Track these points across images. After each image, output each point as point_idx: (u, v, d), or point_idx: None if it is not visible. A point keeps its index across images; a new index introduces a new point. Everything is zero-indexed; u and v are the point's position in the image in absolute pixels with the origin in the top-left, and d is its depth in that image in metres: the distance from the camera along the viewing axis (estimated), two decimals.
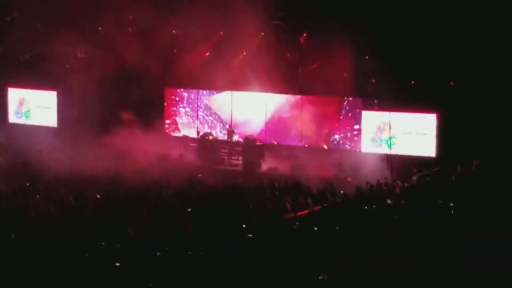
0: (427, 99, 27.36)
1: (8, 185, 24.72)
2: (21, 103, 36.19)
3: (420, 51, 26.73)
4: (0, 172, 27.67)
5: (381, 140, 28.83)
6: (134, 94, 31.18)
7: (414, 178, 25.90)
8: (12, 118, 36.40)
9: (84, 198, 21.67)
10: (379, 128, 28.87)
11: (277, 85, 31.69)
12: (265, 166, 30.97)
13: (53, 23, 32.66)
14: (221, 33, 31.76)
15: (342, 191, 23.27)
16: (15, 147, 32.43)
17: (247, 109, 34.16)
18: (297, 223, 19.03)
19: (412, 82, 28.39)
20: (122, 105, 31.69)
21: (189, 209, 20.58)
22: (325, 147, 31.83)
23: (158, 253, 14.48)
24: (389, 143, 28.31)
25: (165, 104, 35.49)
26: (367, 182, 23.56)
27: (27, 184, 24.80)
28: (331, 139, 32.02)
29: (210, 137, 33.73)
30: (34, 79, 34.17)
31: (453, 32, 25.89)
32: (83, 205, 20.49)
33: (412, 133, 28.24)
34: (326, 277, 11.49)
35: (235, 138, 33.56)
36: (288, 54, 30.90)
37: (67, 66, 33.52)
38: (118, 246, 16.27)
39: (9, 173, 27.37)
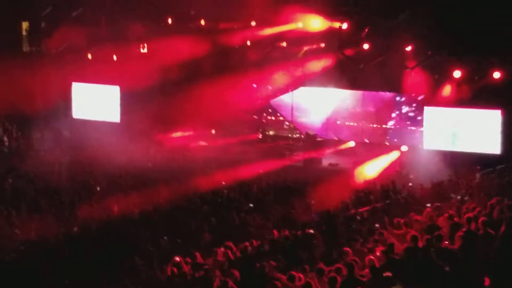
0: (491, 95, 26.84)
1: (71, 180, 25.19)
2: (85, 98, 36.56)
3: (484, 47, 26.26)
4: (63, 166, 28.15)
5: (444, 137, 28.37)
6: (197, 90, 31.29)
7: (478, 175, 25.55)
8: (76, 113, 36.82)
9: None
10: (442, 125, 28.42)
11: (338, 80, 31.53)
12: (325, 162, 30.86)
13: (118, 18, 33.04)
14: (283, 28, 31.60)
15: (405, 189, 23.14)
16: (79, 142, 32.90)
17: (308, 105, 34.10)
18: (358, 218, 19.01)
19: (476, 78, 27.89)
20: (184, 102, 31.87)
21: (251, 204, 20.74)
22: (387, 143, 31.53)
23: None
24: (452, 139, 27.88)
25: None
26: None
27: (89, 179, 25.19)
28: (393, 135, 31.75)
29: (271, 132, 33.82)
30: (98, 74, 34.50)
31: None
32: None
33: (476, 130, 27.70)
34: None
35: (296, 134, 33.55)
36: (349, 50, 30.65)
37: (131, 61, 33.80)
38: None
39: (72, 168, 27.83)
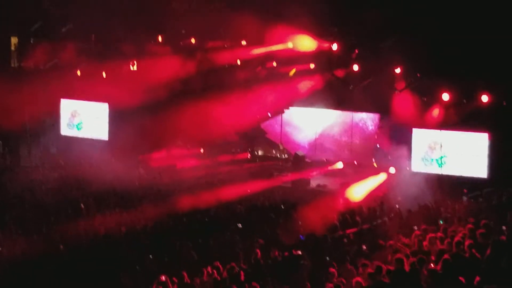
0: (479, 118, 26.97)
1: (58, 197, 25.06)
2: (73, 115, 36.49)
3: (474, 69, 26.38)
4: (50, 184, 28.01)
5: (431, 159, 28.45)
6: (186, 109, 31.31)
7: (465, 198, 25.57)
8: (64, 130, 36.72)
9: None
10: (429, 147, 28.50)
11: (327, 101, 31.63)
12: (313, 183, 30.85)
13: (108, 35, 33.05)
14: (273, 48, 31.64)
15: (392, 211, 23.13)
16: (66, 159, 32.77)
17: (297, 125, 34.16)
18: (345, 240, 18.97)
19: (464, 101, 28.02)
20: (173, 121, 31.86)
21: (239, 224, 20.68)
22: (375, 165, 31.56)
23: None
24: (439, 162, 27.96)
25: None
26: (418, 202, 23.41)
27: (76, 196, 25.09)
28: (381, 157, 31.78)
29: (260, 153, 33.85)
30: (87, 90, 34.45)
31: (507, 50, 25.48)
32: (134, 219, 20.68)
33: (463, 153, 27.78)
34: None
35: (284, 154, 33.58)
36: (339, 71, 30.74)
37: (120, 78, 33.78)
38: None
39: (59, 185, 27.69)
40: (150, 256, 16.61)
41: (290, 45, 30.46)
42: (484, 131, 27.28)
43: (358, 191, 28.06)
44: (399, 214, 22.18)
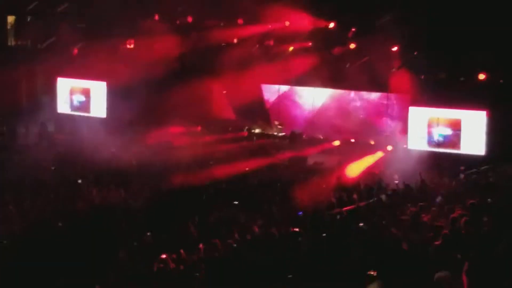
0: (477, 96, 26.96)
1: (56, 175, 25.11)
2: (70, 93, 36.50)
3: (471, 46, 26.39)
4: (48, 162, 28.05)
5: (428, 137, 28.47)
6: (183, 87, 31.33)
7: (462, 176, 25.64)
8: (61, 108, 36.75)
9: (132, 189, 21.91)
10: (426, 125, 28.51)
11: (324, 79, 31.64)
12: (311, 160, 30.90)
13: (104, 13, 32.95)
14: (270, 26, 31.56)
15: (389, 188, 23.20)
16: (64, 137, 32.82)
17: (294, 103, 34.19)
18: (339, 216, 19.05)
19: (462, 78, 28.03)
20: (170, 99, 31.89)
21: (235, 202, 20.75)
22: (372, 142, 31.60)
23: None
24: (436, 140, 27.99)
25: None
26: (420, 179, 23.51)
27: (75, 174, 25.15)
28: (378, 135, 31.83)
29: (257, 130, 33.88)
30: (84, 69, 34.42)
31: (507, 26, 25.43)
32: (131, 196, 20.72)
33: (461, 131, 27.79)
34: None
35: (281, 132, 33.62)
36: (336, 49, 30.73)
37: (117, 56, 33.76)
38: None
39: (57, 163, 27.73)
40: (148, 233, 16.67)
41: (287, 23, 30.41)
42: (482, 109, 27.27)
43: (355, 169, 28.13)
44: (396, 191, 22.24)
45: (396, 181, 24.51)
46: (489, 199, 18.05)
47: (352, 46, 29.80)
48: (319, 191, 22.12)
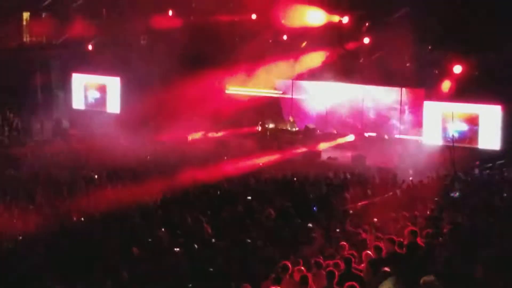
0: (492, 91, 26.82)
1: (71, 171, 25.17)
2: (85, 89, 36.65)
3: (485, 42, 26.28)
4: (62, 157, 28.14)
5: (443, 132, 28.37)
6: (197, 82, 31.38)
7: (477, 170, 25.56)
8: (76, 104, 36.89)
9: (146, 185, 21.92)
10: (441, 119, 28.42)
11: (338, 74, 31.58)
12: (325, 155, 30.87)
13: (118, 9, 33.05)
14: (284, 21, 31.48)
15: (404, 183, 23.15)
16: (78, 133, 32.94)
17: (308, 98, 34.14)
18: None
19: (476, 73, 27.90)
20: (184, 94, 31.93)
21: (249, 197, 20.72)
22: (386, 137, 31.52)
23: None
24: (451, 134, 27.87)
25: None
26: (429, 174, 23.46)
27: (89, 169, 25.22)
28: (393, 129, 31.75)
29: (271, 125, 33.85)
30: (98, 65, 34.51)
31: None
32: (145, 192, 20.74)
33: (476, 125, 27.69)
34: None
35: (295, 127, 33.57)
36: (350, 44, 30.66)
37: (131, 52, 33.85)
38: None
39: (72, 158, 27.82)
40: (162, 229, 16.69)
41: (300, 18, 30.34)
42: (497, 104, 27.16)
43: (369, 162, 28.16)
44: (411, 186, 22.19)
45: (411, 177, 24.46)
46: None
47: (366, 40, 29.71)
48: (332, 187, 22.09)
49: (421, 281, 10.02)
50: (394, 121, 31.93)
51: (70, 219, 18.06)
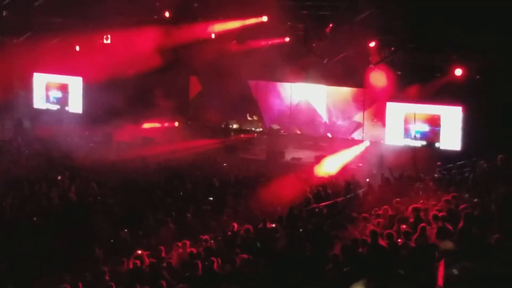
0: (453, 92, 27.08)
1: (31, 171, 24.97)
2: (46, 89, 36.31)
3: (447, 43, 26.51)
4: (23, 158, 27.90)
5: (405, 132, 28.55)
6: (161, 82, 31.27)
7: (438, 171, 25.77)
8: (37, 103, 36.55)
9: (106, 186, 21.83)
10: (403, 120, 28.59)
11: (302, 74, 31.64)
12: (288, 156, 30.93)
13: (80, 8, 32.76)
14: (247, 22, 31.43)
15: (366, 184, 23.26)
16: (40, 132, 32.62)
17: (272, 98, 34.19)
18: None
19: (438, 74, 28.15)
20: (147, 94, 31.83)
21: (210, 198, 20.75)
22: (350, 137, 31.69)
23: None
24: (413, 135, 28.09)
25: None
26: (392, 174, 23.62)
27: (50, 170, 25.05)
28: (355, 130, 31.93)
29: (234, 126, 33.83)
30: (60, 64, 34.21)
31: (480, 24, 25.48)
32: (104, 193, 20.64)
33: (437, 126, 27.90)
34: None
35: (259, 127, 33.60)
36: (314, 44, 30.72)
37: (94, 51, 33.58)
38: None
39: (32, 159, 27.59)
40: (125, 230, 16.64)
41: (264, 19, 30.32)
42: (458, 105, 27.39)
43: (333, 164, 28.21)
44: (372, 187, 22.31)
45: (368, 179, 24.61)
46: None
47: (330, 41, 29.81)
48: (296, 187, 22.14)
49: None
50: (357, 122, 32.09)
51: (31, 219, 17.93)
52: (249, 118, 33.83)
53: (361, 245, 13.11)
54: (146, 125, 32.65)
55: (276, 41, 31.55)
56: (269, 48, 31.87)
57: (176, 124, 33.95)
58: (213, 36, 32.10)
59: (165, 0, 31.82)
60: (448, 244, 11.69)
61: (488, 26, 24.79)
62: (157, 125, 33.12)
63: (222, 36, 32.00)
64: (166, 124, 33.40)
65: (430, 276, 11.35)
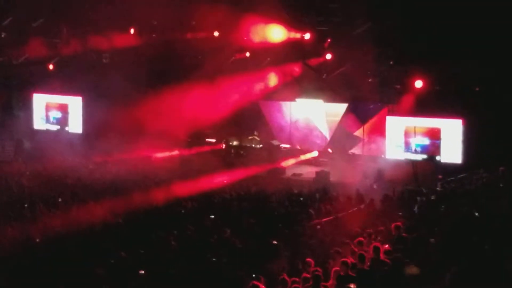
0: (452, 105, 27.08)
1: (33, 191, 24.91)
2: (46, 109, 36.34)
3: (444, 56, 26.51)
4: (25, 178, 27.84)
5: (405, 146, 28.53)
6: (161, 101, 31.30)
7: (439, 184, 25.75)
8: (38, 124, 36.55)
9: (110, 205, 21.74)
10: (403, 134, 28.58)
11: (301, 91, 31.68)
12: (289, 172, 30.91)
13: (78, 28, 32.85)
14: (246, 38, 31.46)
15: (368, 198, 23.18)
16: (40, 153, 32.59)
17: (272, 115, 34.21)
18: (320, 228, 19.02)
19: (437, 87, 28.14)
20: (147, 113, 31.80)
21: (212, 216, 20.65)
22: (350, 152, 31.66)
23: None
24: (414, 149, 28.07)
25: None
26: (393, 189, 23.59)
27: (50, 191, 24.99)
28: (356, 145, 31.91)
29: (235, 143, 33.82)
30: (60, 85, 34.25)
31: (479, 36, 25.50)
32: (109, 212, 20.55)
33: (438, 139, 27.87)
34: None
35: (259, 144, 33.59)
36: (313, 60, 30.77)
37: (93, 71, 33.66)
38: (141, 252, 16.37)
39: (33, 179, 27.53)
40: (126, 249, 16.55)
41: (262, 35, 30.37)
42: (458, 118, 27.37)
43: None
44: (372, 203, 22.18)
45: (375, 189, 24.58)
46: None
47: (329, 56, 29.86)
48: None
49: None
50: (358, 136, 32.06)
51: (33, 240, 17.84)
52: (255, 137, 33.79)
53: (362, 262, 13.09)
54: (145, 144, 32.54)
55: (274, 57, 31.60)
56: (267, 64, 31.94)
57: (177, 142, 33.89)
58: (211, 53, 32.14)
59: (162, 19, 31.86)
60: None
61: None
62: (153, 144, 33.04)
63: (220, 52, 32.05)
64: (165, 143, 33.32)
65: None
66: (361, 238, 15.85)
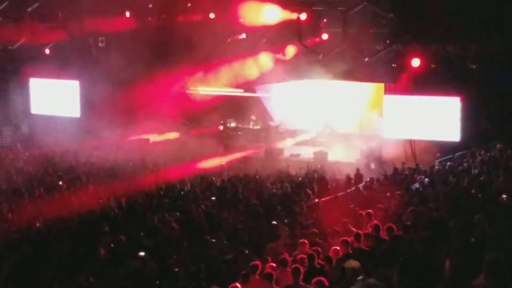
0: (450, 82, 27.02)
1: (29, 176, 24.98)
2: (43, 94, 36.23)
3: (440, 35, 26.48)
4: (23, 163, 27.89)
5: (404, 125, 28.49)
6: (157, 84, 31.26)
7: (437, 162, 25.82)
8: (35, 109, 36.48)
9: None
10: (401, 113, 28.54)
11: (298, 71, 31.62)
12: (287, 152, 30.95)
13: (74, 12, 32.75)
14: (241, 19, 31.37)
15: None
16: (38, 138, 32.60)
17: (270, 96, 34.20)
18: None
19: (434, 66, 28.08)
20: (144, 96, 31.78)
21: (213, 198, 20.72)
22: (347, 132, 31.70)
23: None
24: (412, 127, 28.03)
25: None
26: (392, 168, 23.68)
27: (49, 174, 25.04)
28: (354, 124, 31.96)
29: (232, 124, 33.81)
30: (56, 69, 34.15)
31: (477, 13, 25.44)
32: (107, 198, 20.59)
33: (435, 117, 27.80)
34: None
35: (258, 125, 33.61)
36: (309, 40, 30.67)
37: (89, 55, 33.59)
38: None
39: (31, 164, 27.58)
40: (126, 232, 16.61)
41: (258, 16, 30.28)
42: (456, 95, 27.31)
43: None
44: (372, 182, 22.24)
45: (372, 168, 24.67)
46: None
47: (325, 36, 29.79)
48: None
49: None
50: (355, 116, 32.12)
51: (33, 225, 17.90)
52: (253, 118, 33.78)
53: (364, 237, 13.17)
54: (144, 127, 32.55)
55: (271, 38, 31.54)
56: (264, 45, 31.88)
57: (174, 125, 33.90)
58: (206, 36, 32.09)
59: (158, 2, 31.81)
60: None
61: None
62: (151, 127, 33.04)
63: (216, 35, 31.97)
64: (163, 125, 33.34)
65: None
66: (359, 217, 15.96)
